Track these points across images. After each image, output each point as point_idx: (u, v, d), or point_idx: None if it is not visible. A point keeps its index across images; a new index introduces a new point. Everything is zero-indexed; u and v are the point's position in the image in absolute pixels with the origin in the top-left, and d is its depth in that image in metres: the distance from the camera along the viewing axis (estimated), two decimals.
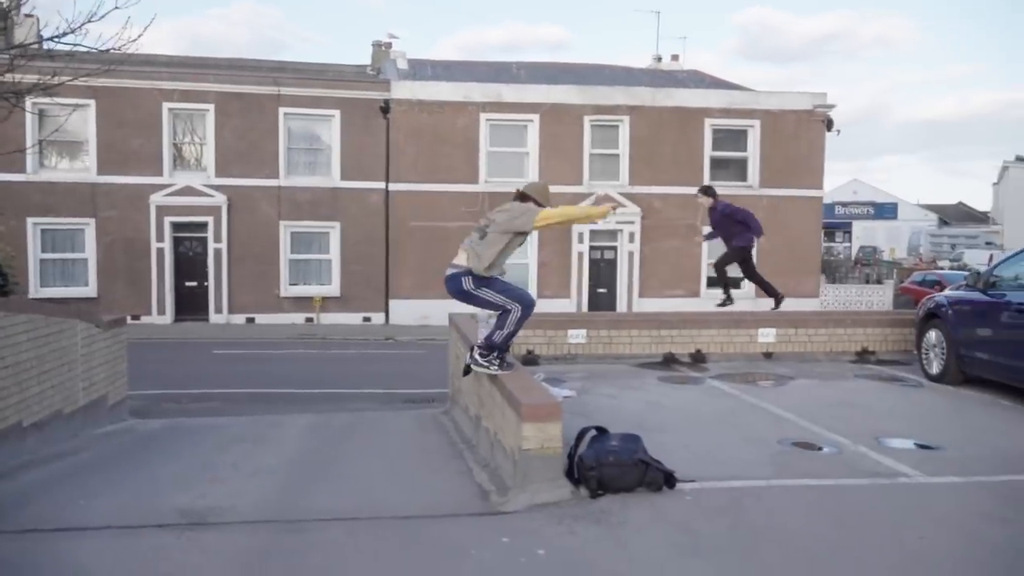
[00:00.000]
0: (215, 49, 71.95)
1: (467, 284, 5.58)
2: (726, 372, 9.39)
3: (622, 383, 8.53)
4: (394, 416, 9.78)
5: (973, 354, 8.27)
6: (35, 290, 20.44)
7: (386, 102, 22.76)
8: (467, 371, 6.78)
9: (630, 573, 3.79)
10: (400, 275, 23.13)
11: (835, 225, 48.81)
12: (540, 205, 5.70)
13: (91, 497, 5.15)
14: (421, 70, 25.09)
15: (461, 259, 5.63)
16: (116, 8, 7.95)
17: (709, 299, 23.82)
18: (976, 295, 8.40)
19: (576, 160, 23.52)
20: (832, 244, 46.36)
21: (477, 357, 5.85)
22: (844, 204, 50.98)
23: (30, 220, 20.90)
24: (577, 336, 10.00)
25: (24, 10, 16.78)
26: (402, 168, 22.97)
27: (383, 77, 23.91)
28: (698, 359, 10.14)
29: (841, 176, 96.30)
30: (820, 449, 6.04)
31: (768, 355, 10.47)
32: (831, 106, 24.50)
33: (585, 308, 23.34)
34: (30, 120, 19.10)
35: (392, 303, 23.19)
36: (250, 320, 22.32)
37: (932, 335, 9.09)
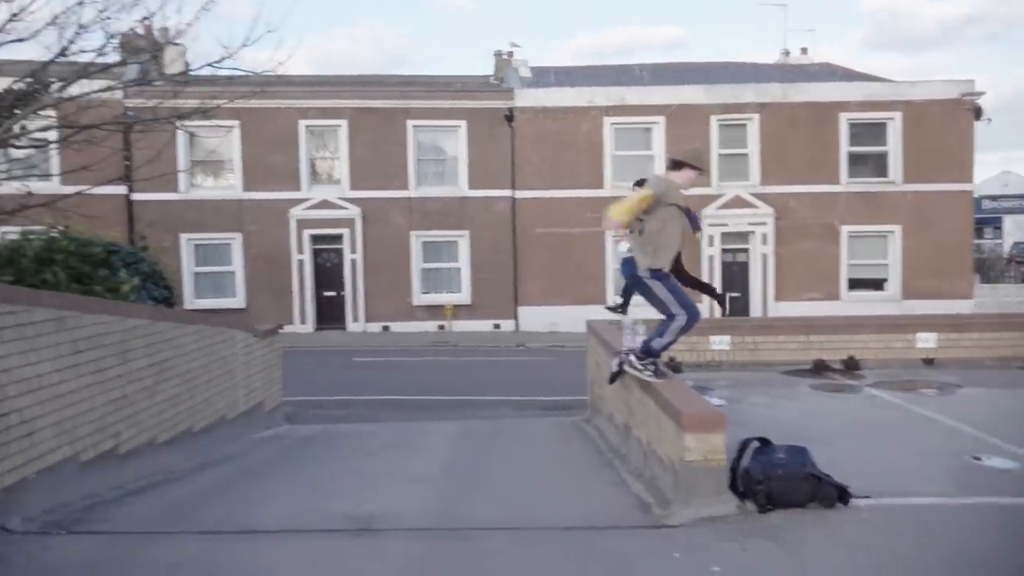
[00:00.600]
0: (342, 67, 74.86)
1: (640, 270, 5.43)
2: (883, 380, 8.89)
3: (773, 392, 8.22)
4: (535, 423, 9.82)
5: None
6: (190, 302, 21.77)
7: (510, 110, 22.99)
8: (613, 378, 6.69)
9: None
10: (528, 282, 23.27)
11: (985, 220, 45.59)
12: (696, 169, 5.49)
13: (263, 501, 5.38)
14: (544, 77, 25.20)
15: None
16: (268, 32, 8.33)
17: (851, 302, 22.88)
18: None
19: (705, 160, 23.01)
20: (981, 241, 43.36)
21: (634, 360, 5.73)
22: (994, 198, 47.55)
23: (183, 236, 22.30)
24: (720, 342, 9.73)
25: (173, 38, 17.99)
26: (527, 175, 23.13)
27: (506, 86, 24.16)
28: (851, 366, 9.66)
29: (990, 168, 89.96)
30: (1007, 469, 5.58)
31: (929, 361, 9.86)
32: (979, 93, 22.94)
33: (718, 314, 22.75)
34: (183, 142, 20.37)
35: (521, 310, 23.36)
36: (385, 328, 22.99)
37: None
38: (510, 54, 26.52)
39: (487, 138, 23.10)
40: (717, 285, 23.11)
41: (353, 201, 22.88)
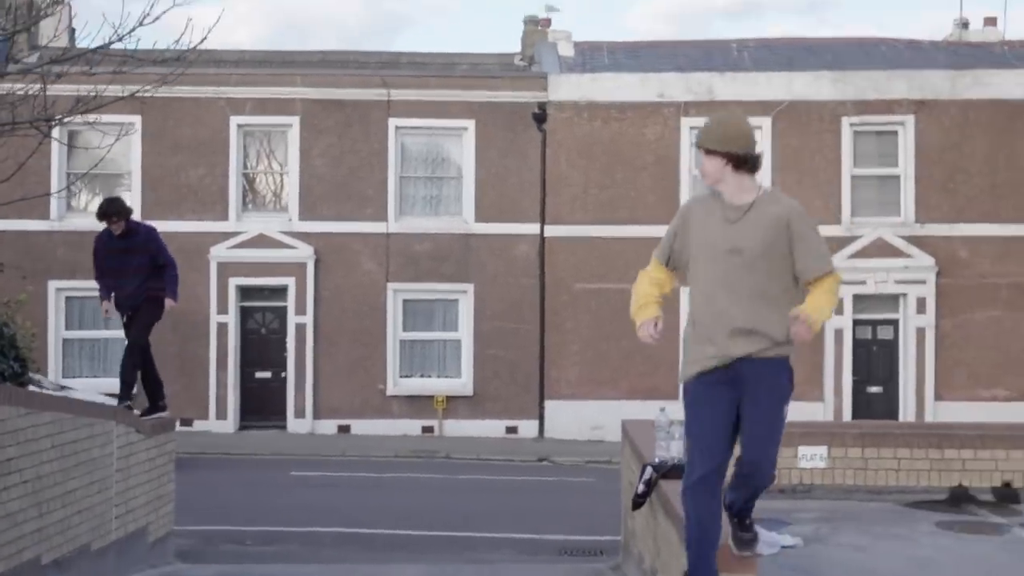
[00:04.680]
0: (311, 37, 76.54)
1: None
2: None
3: (878, 530, 8.69)
4: (541, 572, 10.35)
5: None
6: (55, 378, 22.58)
7: (541, 106, 23.89)
8: (637, 503, 7.27)
9: None
10: (561, 364, 23.80)
11: None
12: (741, 162, 4.96)
13: None
14: (594, 58, 26.07)
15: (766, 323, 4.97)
16: (175, 5, 9.15)
17: None
18: None
19: (830, 184, 23.64)
20: None
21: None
22: None
23: (52, 284, 23.27)
24: (813, 457, 10.25)
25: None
26: (564, 203, 23.85)
27: (537, 70, 25.08)
28: (1007, 497, 10.10)
29: None
30: None
31: None
32: None
33: (849, 416, 23.14)
34: (57, 152, 21.46)
35: (549, 406, 23.86)
36: (343, 429, 23.59)
37: None
38: (547, 23, 27.47)
39: (506, 147, 23.92)
40: (847, 375, 23.59)
41: (304, 237, 23.74)
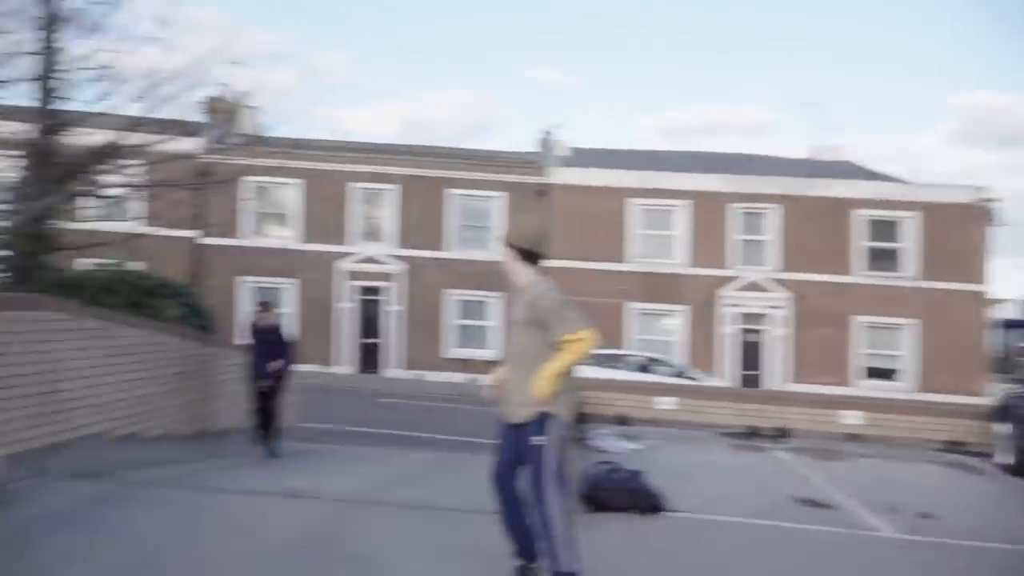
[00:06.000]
0: (426, 130, 78.18)
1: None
2: (801, 446, 10.15)
3: (694, 445, 9.60)
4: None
5: None
6: (239, 339, 23.89)
7: (544, 186, 24.91)
8: None
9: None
10: None
11: None
12: (527, 257, 4.13)
13: (234, 479, 7.06)
14: (582, 157, 27.05)
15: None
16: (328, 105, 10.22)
17: (862, 390, 23.71)
18: None
19: (723, 245, 24.43)
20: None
21: None
22: None
23: (240, 279, 24.63)
24: (666, 403, 11.14)
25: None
26: (558, 245, 24.79)
27: (543, 163, 26.09)
28: (781, 434, 10.93)
29: None
30: (824, 506, 6.90)
31: (853, 436, 11.04)
32: (994, 200, 23.90)
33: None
34: (249, 194, 22.87)
35: None
36: (418, 376, 24.73)
37: (1004, 428, 9.43)
38: (551, 134, 28.46)
39: (524, 209, 24.94)
40: (736, 362, 24.24)
41: (397, 258, 24.95)
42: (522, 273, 4.17)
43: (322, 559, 4.58)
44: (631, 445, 9.03)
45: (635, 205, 24.69)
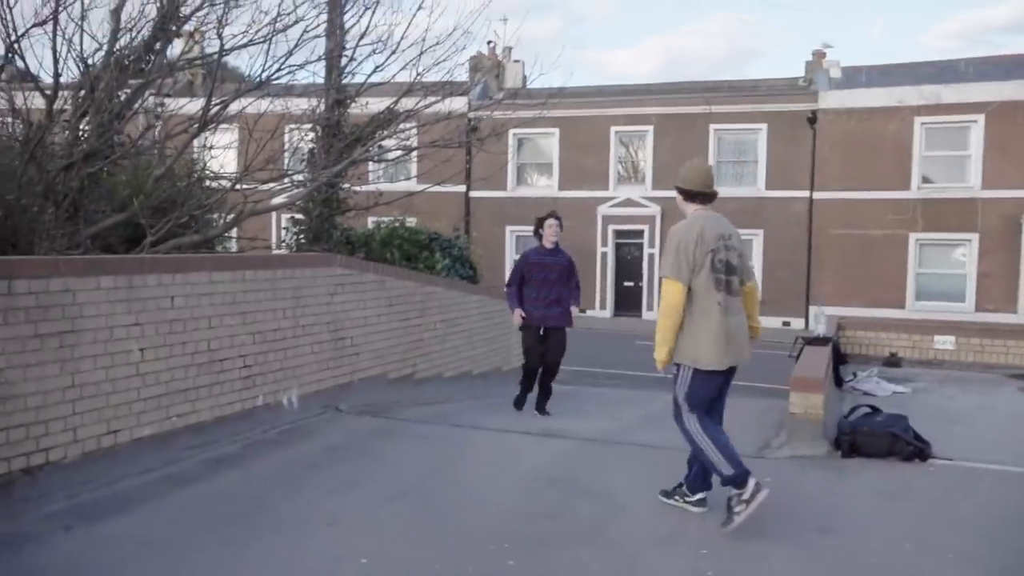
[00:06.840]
0: (689, 64, 75.92)
1: None
2: None
3: (971, 388, 8.70)
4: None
5: None
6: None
7: (813, 113, 23.24)
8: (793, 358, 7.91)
9: (824, 502, 4.82)
10: (821, 282, 23.41)
11: None
12: (688, 196, 4.43)
13: (497, 416, 7.63)
14: (855, 78, 24.85)
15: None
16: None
17: None
18: None
19: None
20: None
21: None
22: None
23: (508, 228, 25.90)
24: (944, 342, 10.15)
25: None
26: (826, 177, 23.23)
27: (811, 88, 24.32)
28: None
29: None
30: None
31: None
32: None
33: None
34: (512, 147, 23.87)
35: (812, 309, 23.52)
36: None
37: None
38: (822, 55, 26.45)
39: (788, 140, 23.59)
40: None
41: (654, 200, 24.78)
42: (688, 213, 4.45)
43: (565, 492, 4.89)
44: (898, 388, 8.40)
45: (920, 124, 22.26)
